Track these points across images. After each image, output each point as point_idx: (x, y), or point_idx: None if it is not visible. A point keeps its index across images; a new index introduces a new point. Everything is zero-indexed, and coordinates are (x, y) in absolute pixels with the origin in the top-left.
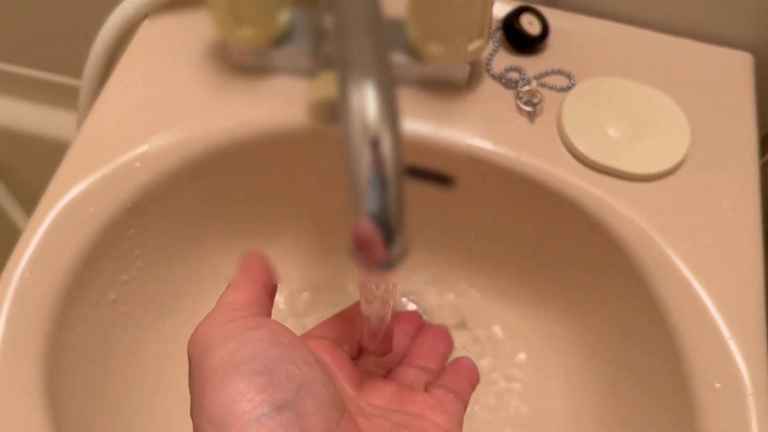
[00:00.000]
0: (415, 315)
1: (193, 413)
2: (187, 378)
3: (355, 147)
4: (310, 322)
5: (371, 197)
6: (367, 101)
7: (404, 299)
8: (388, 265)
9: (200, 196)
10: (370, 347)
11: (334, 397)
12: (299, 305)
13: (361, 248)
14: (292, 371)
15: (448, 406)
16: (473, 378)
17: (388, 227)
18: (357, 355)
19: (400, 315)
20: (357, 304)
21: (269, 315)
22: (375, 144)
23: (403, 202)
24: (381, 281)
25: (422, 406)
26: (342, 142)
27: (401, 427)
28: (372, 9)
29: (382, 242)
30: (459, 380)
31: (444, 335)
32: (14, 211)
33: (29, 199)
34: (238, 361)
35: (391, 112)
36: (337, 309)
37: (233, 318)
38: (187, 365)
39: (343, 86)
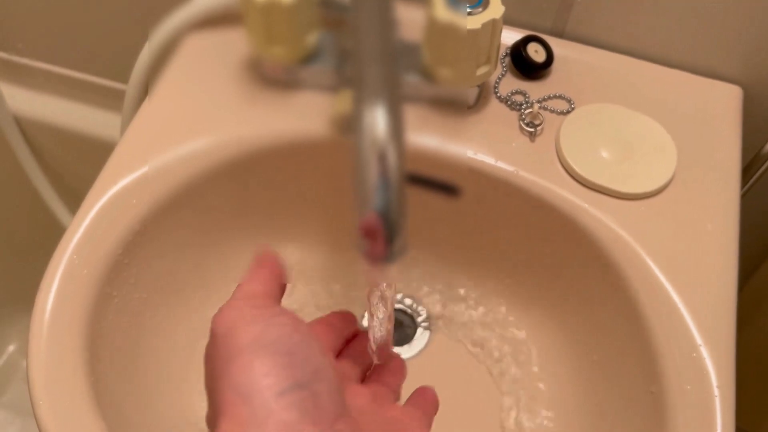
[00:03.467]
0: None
1: (217, 382)
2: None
3: (364, 157)
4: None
5: (377, 198)
6: (377, 120)
7: (399, 295)
8: (389, 257)
9: (229, 195)
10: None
11: (339, 386)
12: (316, 298)
13: (366, 238)
14: (309, 356)
15: (419, 416)
16: (436, 403)
17: (390, 224)
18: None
19: (363, 334)
20: (337, 313)
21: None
22: (382, 156)
23: (404, 205)
24: (383, 273)
25: (398, 412)
26: (352, 152)
27: (388, 424)
28: (386, 39)
29: (385, 236)
30: (424, 402)
31: (400, 368)
32: (56, 205)
33: (70, 192)
34: (264, 341)
35: (397, 130)
36: (350, 303)
37: (257, 305)
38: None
39: (358, 105)
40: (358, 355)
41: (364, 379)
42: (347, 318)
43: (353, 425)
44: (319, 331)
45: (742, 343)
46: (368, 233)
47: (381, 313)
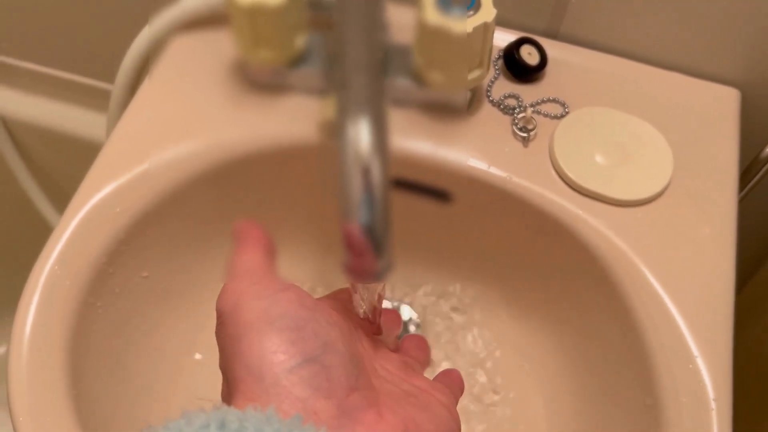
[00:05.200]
0: (399, 320)
1: (229, 361)
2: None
3: (348, 171)
4: None
5: (361, 214)
6: (361, 133)
7: (396, 303)
8: (376, 276)
9: (215, 201)
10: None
11: (354, 355)
12: None
13: (350, 255)
14: (317, 329)
15: (445, 390)
16: (462, 385)
17: (375, 241)
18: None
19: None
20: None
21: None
22: (366, 171)
23: (390, 221)
24: (369, 289)
25: (425, 383)
26: (336, 166)
27: (408, 395)
28: (372, 46)
29: (370, 253)
30: (450, 382)
31: (424, 345)
32: (44, 206)
33: (57, 192)
34: (271, 317)
35: (381, 144)
36: None
37: (258, 280)
38: (203, 354)
39: (341, 116)
40: (389, 325)
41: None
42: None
43: (369, 396)
44: (332, 303)
45: (738, 347)
46: (353, 250)
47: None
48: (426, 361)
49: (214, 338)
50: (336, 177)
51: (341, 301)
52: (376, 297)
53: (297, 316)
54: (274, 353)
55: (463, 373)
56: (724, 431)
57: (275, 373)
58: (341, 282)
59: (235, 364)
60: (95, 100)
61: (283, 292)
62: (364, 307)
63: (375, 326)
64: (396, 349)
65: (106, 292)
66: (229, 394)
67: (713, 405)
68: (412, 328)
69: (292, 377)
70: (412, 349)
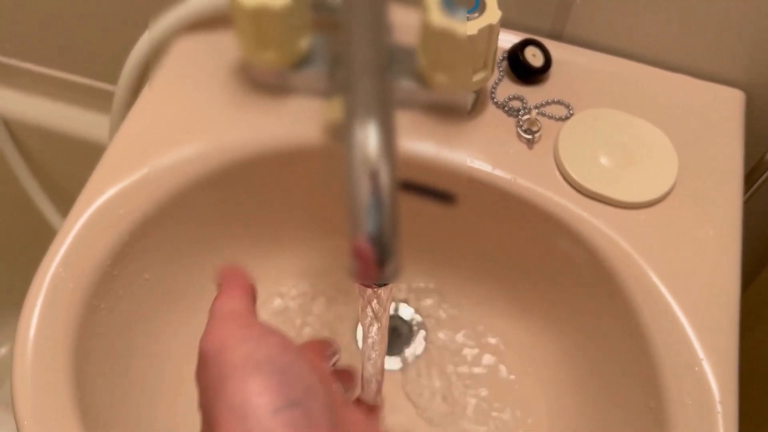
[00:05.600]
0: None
1: (210, 401)
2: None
3: (356, 176)
4: (311, 321)
5: (369, 220)
6: (369, 138)
7: (402, 304)
8: (382, 280)
9: (218, 203)
10: (366, 396)
11: (331, 402)
12: (305, 307)
13: (358, 264)
14: (300, 374)
15: None
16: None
17: (383, 247)
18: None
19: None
20: (319, 339)
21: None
22: (374, 175)
23: (398, 226)
24: (376, 294)
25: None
26: (343, 169)
27: None
28: (379, 48)
29: (378, 260)
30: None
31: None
32: (46, 207)
33: (59, 193)
34: (256, 360)
35: (389, 148)
36: (340, 310)
37: (244, 324)
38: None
39: (349, 122)
40: (346, 379)
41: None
42: (329, 345)
43: None
44: (308, 351)
45: (742, 349)
46: (360, 256)
47: (375, 331)
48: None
49: None
50: (343, 180)
51: (317, 350)
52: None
53: (281, 361)
54: (259, 395)
55: (464, 374)
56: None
57: (259, 414)
58: (343, 284)
59: (217, 405)
60: (97, 100)
61: (268, 336)
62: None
63: (372, 390)
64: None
65: (110, 294)
66: None
67: (719, 408)
68: (414, 328)
69: (275, 419)
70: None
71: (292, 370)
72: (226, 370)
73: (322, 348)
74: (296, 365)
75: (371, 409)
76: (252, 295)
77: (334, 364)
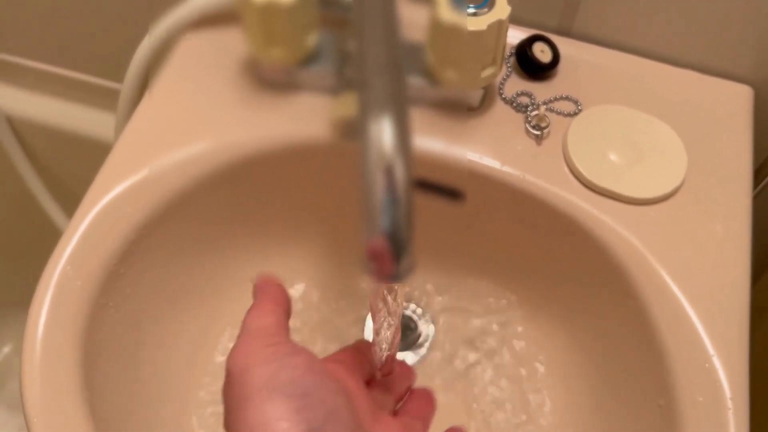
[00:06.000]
0: (411, 373)
1: (233, 422)
2: (221, 388)
3: (371, 172)
4: (319, 319)
5: (385, 216)
6: (384, 133)
7: (412, 305)
8: (396, 277)
9: (226, 201)
10: (378, 368)
11: (356, 423)
12: (313, 303)
13: (373, 262)
14: (323, 397)
15: None
16: None
17: (398, 244)
18: (368, 382)
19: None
20: (362, 341)
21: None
22: (389, 171)
23: (413, 222)
24: (389, 289)
25: None
26: (358, 165)
27: None
28: (392, 45)
29: (393, 257)
30: None
31: (431, 399)
32: (51, 206)
33: (63, 191)
34: (278, 383)
35: (404, 144)
36: (352, 310)
37: (271, 343)
38: (208, 368)
39: (364, 118)
40: (390, 383)
41: (397, 410)
42: (363, 348)
43: None
44: (338, 367)
45: (751, 344)
46: (375, 253)
47: (386, 326)
48: (430, 416)
49: (223, 337)
50: (357, 176)
51: (346, 365)
52: (394, 343)
53: (304, 383)
54: (278, 420)
55: (474, 372)
56: (742, 431)
57: None
58: (353, 282)
59: (238, 427)
60: (101, 98)
61: (293, 356)
62: (383, 352)
63: (388, 368)
64: (396, 412)
65: (117, 292)
66: None
67: (730, 404)
68: (421, 325)
69: None
70: (415, 406)
71: (316, 393)
72: (247, 391)
73: (358, 356)
74: (320, 387)
75: (420, 407)
76: (285, 308)
77: (382, 368)
